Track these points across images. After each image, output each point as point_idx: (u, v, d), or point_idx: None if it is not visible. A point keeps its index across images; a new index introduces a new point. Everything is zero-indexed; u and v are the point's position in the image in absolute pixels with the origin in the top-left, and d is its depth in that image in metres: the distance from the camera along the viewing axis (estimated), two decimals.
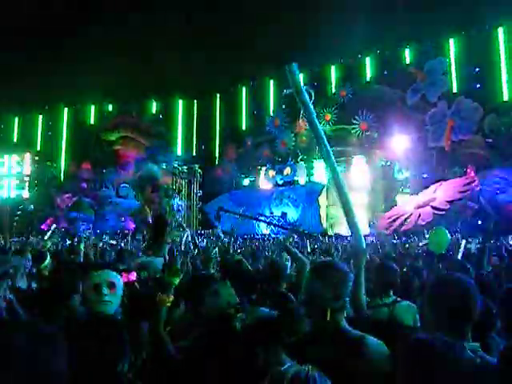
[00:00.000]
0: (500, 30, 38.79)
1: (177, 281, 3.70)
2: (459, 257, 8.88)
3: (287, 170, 42.32)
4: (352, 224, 4.21)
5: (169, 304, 3.46)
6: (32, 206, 46.53)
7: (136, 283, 5.43)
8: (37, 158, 52.09)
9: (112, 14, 47.61)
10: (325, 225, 37.36)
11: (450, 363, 2.27)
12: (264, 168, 44.23)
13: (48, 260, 7.05)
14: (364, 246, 4.01)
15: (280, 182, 42.51)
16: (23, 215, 45.42)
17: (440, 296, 2.61)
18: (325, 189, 38.35)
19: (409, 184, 36.33)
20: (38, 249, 10.28)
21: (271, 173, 43.34)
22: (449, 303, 2.53)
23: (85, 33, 47.33)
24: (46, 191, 47.44)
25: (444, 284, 2.68)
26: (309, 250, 14.38)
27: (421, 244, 15.92)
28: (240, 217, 39.20)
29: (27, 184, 50.03)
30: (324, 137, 4.51)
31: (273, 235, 34.89)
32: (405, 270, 7.05)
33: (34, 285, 6.04)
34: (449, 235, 9.57)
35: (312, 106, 4.67)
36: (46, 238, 13.59)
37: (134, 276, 6.49)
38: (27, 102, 52.40)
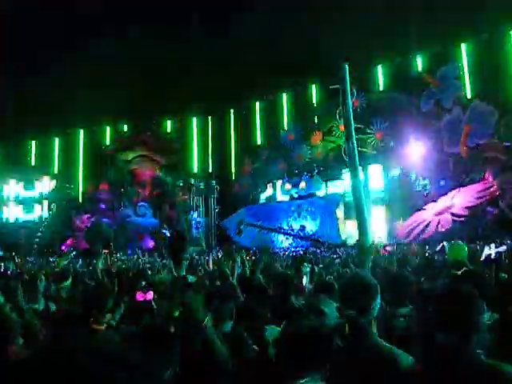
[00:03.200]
0: (511, 33, 38.64)
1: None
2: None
3: (302, 185, 42.25)
4: (362, 222, 4.24)
5: None
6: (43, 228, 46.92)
7: (153, 301, 5.43)
8: (55, 180, 52.58)
9: (126, 38, 47.94)
10: (343, 236, 37.23)
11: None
12: (280, 181, 44.18)
13: (69, 281, 7.06)
14: (369, 243, 4.00)
15: (295, 196, 42.43)
16: (43, 237, 45.73)
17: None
18: (342, 201, 38.32)
19: (427, 192, 36.08)
20: (62, 268, 10.29)
21: (287, 186, 43.28)
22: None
23: (98, 56, 47.71)
24: (64, 213, 47.80)
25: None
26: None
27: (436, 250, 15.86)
28: (262, 229, 39.46)
29: (46, 206, 50.50)
30: (354, 135, 4.59)
31: (292, 248, 34.88)
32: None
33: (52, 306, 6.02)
34: (466, 248, 9.49)
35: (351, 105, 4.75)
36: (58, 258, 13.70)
37: (150, 295, 6.47)
38: (44, 126, 52.90)
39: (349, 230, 36.70)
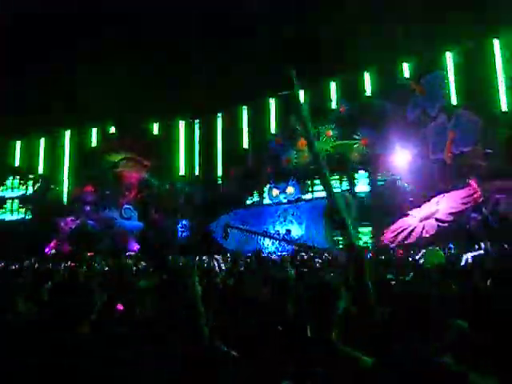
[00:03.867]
0: (496, 42, 39.14)
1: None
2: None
3: (289, 190, 42.43)
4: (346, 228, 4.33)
5: None
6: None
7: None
8: (39, 181, 52.38)
9: (111, 38, 47.81)
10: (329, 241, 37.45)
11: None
12: (267, 186, 44.30)
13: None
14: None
15: (284, 201, 42.56)
16: (26, 238, 45.50)
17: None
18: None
19: (412, 198, 36.42)
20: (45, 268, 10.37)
21: (275, 191, 43.41)
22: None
23: (84, 57, 47.57)
24: (48, 215, 47.59)
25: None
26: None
27: (417, 257, 16.19)
28: (248, 233, 39.49)
29: (30, 207, 50.31)
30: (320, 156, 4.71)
31: (278, 253, 35.04)
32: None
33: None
34: (442, 254, 9.79)
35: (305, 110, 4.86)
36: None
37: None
38: (29, 126, 52.67)
39: (336, 235, 37.03)
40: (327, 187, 4.54)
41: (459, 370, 2.46)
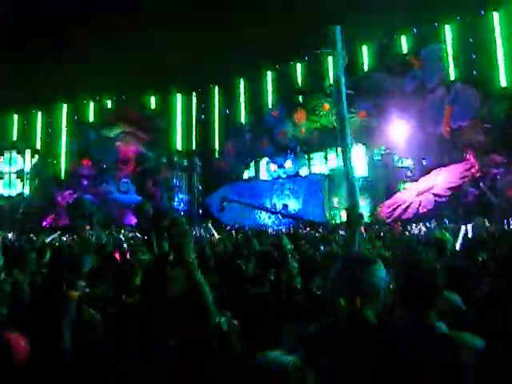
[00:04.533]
0: (496, 15, 38.76)
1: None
2: (458, 244, 9.06)
3: (288, 163, 42.31)
4: (352, 197, 4.37)
5: None
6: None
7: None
8: (37, 155, 52.23)
9: (110, 13, 47.48)
10: (327, 215, 37.49)
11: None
12: (264, 160, 44.22)
13: (48, 256, 7.09)
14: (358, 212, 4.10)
15: (283, 176, 42.46)
16: (26, 212, 45.48)
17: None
18: (326, 180, 38.55)
19: (410, 171, 36.32)
20: (40, 244, 10.33)
21: (273, 167, 43.31)
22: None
23: (82, 31, 47.30)
24: (46, 188, 47.51)
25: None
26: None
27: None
28: (245, 206, 39.57)
29: (28, 181, 50.24)
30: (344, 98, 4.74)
31: (275, 227, 35.07)
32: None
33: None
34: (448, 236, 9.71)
35: (343, 70, 4.87)
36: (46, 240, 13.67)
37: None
38: (26, 100, 52.44)
39: (333, 209, 37.10)
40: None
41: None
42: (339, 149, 38.09)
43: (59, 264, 4.76)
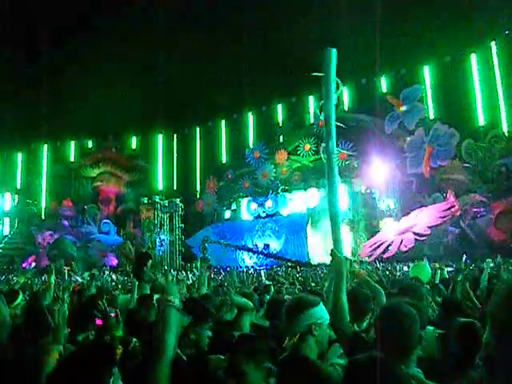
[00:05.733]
0: (473, 56, 39.46)
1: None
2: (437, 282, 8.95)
3: (268, 203, 42.31)
4: (336, 237, 4.26)
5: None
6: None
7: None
8: (17, 195, 51.87)
9: (89, 51, 47.73)
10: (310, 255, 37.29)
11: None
12: (245, 200, 44.18)
13: (20, 298, 6.91)
14: (343, 256, 4.00)
15: (263, 215, 42.42)
16: (4, 253, 44.96)
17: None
18: (308, 219, 38.46)
19: (390, 212, 36.40)
20: (11, 287, 10.12)
21: (253, 205, 43.30)
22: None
23: (63, 70, 47.41)
24: (26, 229, 47.10)
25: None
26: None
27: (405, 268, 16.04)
28: (226, 247, 39.35)
29: (7, 222, 49.77)
30: (334, 134, 4.63)
31: (256, 267, 34.78)
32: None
33: None
34: (429, 268, 9.60)
35: (335, 97, 4.75)
36: (20, 273, 13.48)
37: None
38: (6, 140, 52.23)
39: (313, 250, 36.92)
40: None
41: None
42: (319, 188, 38.54)
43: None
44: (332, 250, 4.03)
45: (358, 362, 2.02)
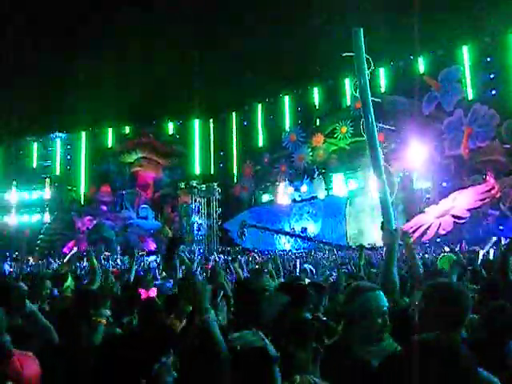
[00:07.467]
0: None
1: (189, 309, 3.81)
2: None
3: (303, 188, 42.24)
4: (387, 213, 4.29)
5: None
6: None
7: (157, 299, 5.46)
8: (56, 182, 52.61)
9: (126, 39, 47.88)
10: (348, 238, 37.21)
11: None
12: (282, 183, 44.16)
13: (69, 280, 7.08)
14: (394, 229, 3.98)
15: (298, 199, 42.40)
16: (45, 239, 45.69)
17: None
18: (346, 203, 38.33)
19: (428, 194, 36.03)
20: (58, 272, 10.29)
21: (290, 189, 43.29)
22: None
23: (99, 57, 47.68)
24: (66, 215, 47.77)
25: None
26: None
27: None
28: (265, 231, 39.47)
29: (48, 209, 50.54)
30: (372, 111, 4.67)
31: (294, 250, 34.85)
32: None
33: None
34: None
35: (367, 74, 4.80)
36: (64, 261, 13.66)
37: (154, 292, 6.55)
38: (45, 128, 52.97)
39: (353, 233, 36.83)
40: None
41: None
42: (356, 171, 38.32)
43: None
44: (382, 223, 4.04)
45: (426, 341, 1.99)
